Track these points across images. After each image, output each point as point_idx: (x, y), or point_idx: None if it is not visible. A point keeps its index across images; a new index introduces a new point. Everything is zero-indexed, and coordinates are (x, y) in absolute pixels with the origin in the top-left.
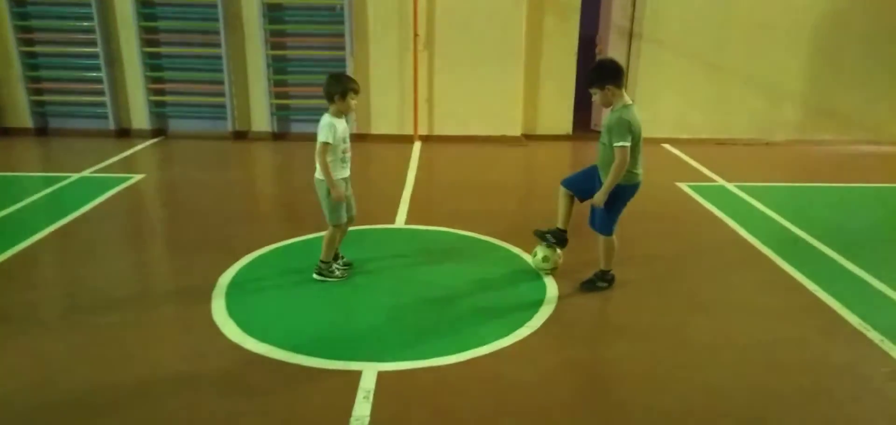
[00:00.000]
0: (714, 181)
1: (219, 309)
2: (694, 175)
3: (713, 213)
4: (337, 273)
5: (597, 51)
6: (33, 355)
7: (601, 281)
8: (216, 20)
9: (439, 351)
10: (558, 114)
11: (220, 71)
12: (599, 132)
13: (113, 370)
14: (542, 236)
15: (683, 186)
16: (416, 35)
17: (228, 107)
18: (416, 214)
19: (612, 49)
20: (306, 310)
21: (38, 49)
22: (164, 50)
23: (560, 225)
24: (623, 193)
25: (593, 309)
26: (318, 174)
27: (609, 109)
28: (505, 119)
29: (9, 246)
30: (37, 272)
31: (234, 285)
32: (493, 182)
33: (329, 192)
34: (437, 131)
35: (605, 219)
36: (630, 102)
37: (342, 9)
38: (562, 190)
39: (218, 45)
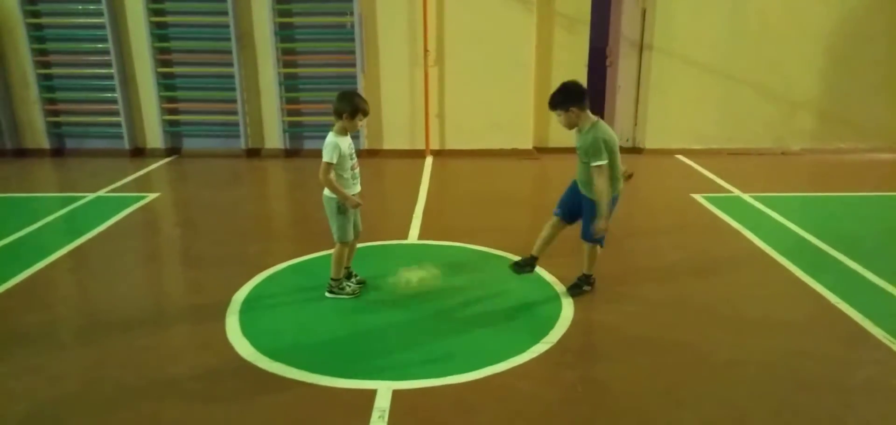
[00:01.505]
0: (729, 192)
1: (233, 326)
2: (708, 186)
3: (730, 225)
4: (348, 290)
5: (607, 63)
6: (51, 375)
7: (586, 284)
8: (228, 40)
9: (455, 368)
10: None
11: (233, 89)
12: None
13: (128, 389)
14: (520, 269)
15: (698, 197)
16: (426, 50)
17: (241, 125)
18: (429, 229)
19: (623, 60)
20: (320, 327)
21: (54, 71)
22: (177, 70)
23: (535, 252)
24: (612, 205)
25: (610, 324)
26: (327, 192)
27: (576, 131)
28: (516, 132)
29: (26, 266)
30: (53, 292)
31: (247, 303)
32: (505, 195)
33: (338, 210)
34: (449, 145)
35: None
36: (596, 119)
37: (353, 26)
38: (553, 219)
39: (230, 65)
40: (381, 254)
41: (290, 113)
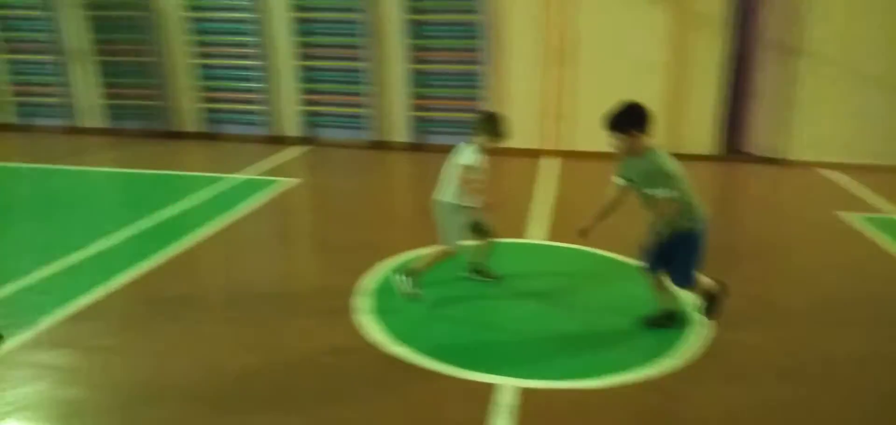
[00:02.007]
0: (888, 213)
1: (362, 309)
2: (863, 204)
3: (889, 250)
4: (413, 290)
5: (747, 67)
6: (203, 340)
7: (712, 301)
8: (362, 35)
9: (579, 372)
10: (702, 133)
11: (364, 83)
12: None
13: (268, 360)
14: (659, 324)
15: (851, 216)
16: (554, 50)
17: (370, 117)
18: (554, 230)
19: (767, 65)
20: (446, 317)
21: (207, 61)
22: (314, 63)
23: (669, 306)
24: (695, 240)
25: (750, 345)
26: (444, 197)
27: (626, 157)
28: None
29: (179, 239)
30: (202, 265)
31: (376, 288)
32: (632, 201)
33: (456, 212)
34: (574, 146)
35: (687, 272)
36: (653, 146)
37: (482, 24)
38: (648, 277)
39: (363, 60)
40: (506, 252)
41: (417, 107)
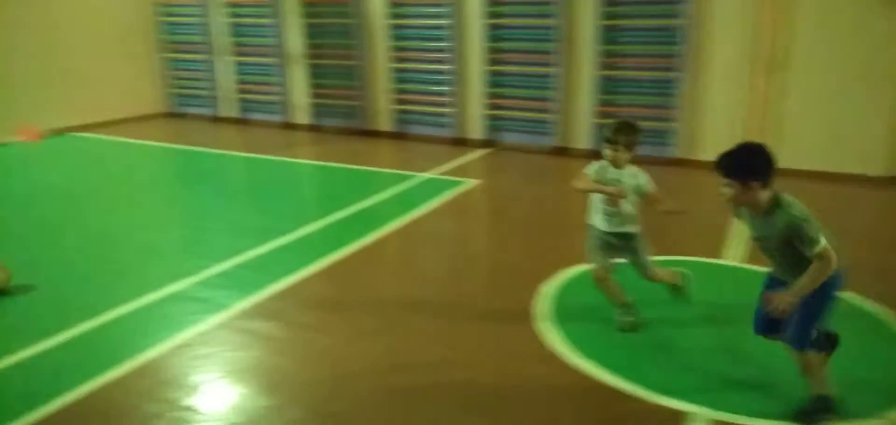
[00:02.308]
0: None
1: (541, 317)
2: None
3: None
4: (627, 319)
5: None
6: (390, 327)
7: (824, 410)
8: (552, 41)
9: (779, 413)
10: None
11: (551, 89)
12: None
13: (449, 356)
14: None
15: None
16: (762, 57)
17: (554, 123)
18: (752, 253)
19: None
20: (630, 336)
21: (404, 65)
22: (503, 68)
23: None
24: (830, 291)
25: None
26: (587, 217)
27: (750, 212)
28: (865, 156)
29: (369, 231)
30: (388, 257)
31: (555, 297)
32: (851, 229)
33: (590, 233)
34: (779, 163)
35: (803, 328)
36: (776, 194)
37: (681, 29)
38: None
39: (551, 65)
40: (699, 271)
41: (603, 115)
